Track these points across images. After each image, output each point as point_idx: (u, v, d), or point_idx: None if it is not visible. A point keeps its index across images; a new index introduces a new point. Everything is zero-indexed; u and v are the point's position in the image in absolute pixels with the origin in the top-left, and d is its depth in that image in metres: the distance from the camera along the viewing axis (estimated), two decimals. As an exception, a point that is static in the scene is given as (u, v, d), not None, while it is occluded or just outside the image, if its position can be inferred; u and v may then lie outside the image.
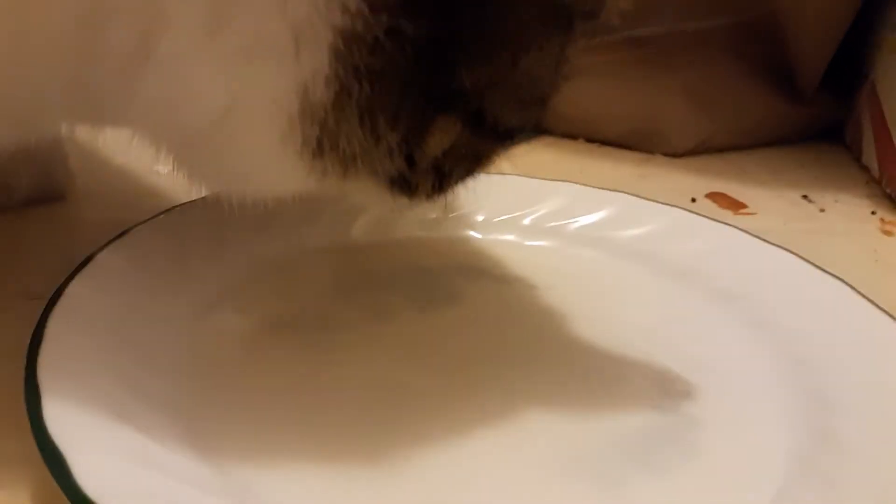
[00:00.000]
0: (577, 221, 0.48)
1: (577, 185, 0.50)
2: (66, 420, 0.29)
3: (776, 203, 0.60)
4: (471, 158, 0.35)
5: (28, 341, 0.32)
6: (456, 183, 0.36)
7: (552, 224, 0.48)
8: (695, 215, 0.49)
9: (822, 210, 0.60)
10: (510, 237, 0.48)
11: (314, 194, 0.34)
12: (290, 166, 0.31)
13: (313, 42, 0.28)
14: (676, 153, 0.66)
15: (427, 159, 0.33)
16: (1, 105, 0.30)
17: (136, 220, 0.42)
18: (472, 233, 0.48)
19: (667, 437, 0.35)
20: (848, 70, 0.69)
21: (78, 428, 0.29)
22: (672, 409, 0.36)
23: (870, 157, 0.66)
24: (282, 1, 0.27)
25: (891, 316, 0.40)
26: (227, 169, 0.33)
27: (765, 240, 0.46)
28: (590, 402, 0.37)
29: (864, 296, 0.41)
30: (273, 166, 0.31)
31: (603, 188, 0.50)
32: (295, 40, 0.28)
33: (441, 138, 0.32)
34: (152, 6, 0.27)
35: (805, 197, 0.61)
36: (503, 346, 0.40)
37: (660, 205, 0.49)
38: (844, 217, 0.59)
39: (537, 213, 0.49)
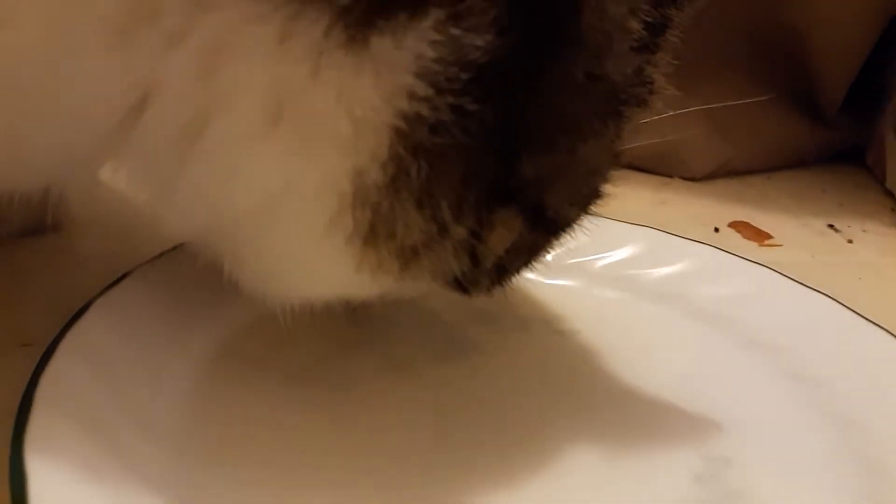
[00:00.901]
0: (602, 259, 0.46)
1: (601, 219, 0.47)
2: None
3: (802, 233, 0.58)
4: (529, 253, 0.34)
5: (17, 394, 0.29)
6: (514, 276, 0.34)
7: (575, 261, 0.45)
8: (726, 254, 0.46)
9: (850, 241, 0.58)
10: (530, 276, 0.45)
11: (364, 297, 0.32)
12: (338, 256, 0.28)
13: (374, 127, 0.26)
14: (696, 177, 0.64)
15: (492, 257, 0.31)
16: (28, 165, 0.30)
17: (135, 253, 0.39)
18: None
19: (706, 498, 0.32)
20: (869, 91, 0.67)
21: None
22: (712, 478, 0.33)
23: (893, 180, 0.64)
24: (345, 91, 0.26)
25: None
26: (269, 258, 0.30)
27: (800, 282, 0.43)
28: (622, 472, 0.34)
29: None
30: (319, 255, 0.29)
31: (626, 221, 0.48)
32: (355, 126, 0.26)
33: (503, 234, 0.30)
34: (211, 88, 0.26)
35: (831, 226, 0.59)
36: (527, 401, 0.37)
37: (689, 242, 0.47)
38: (873, 249, 0.57)
39: (558, 250, 0.46)
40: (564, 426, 0.36)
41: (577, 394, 0.38)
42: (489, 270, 0.32)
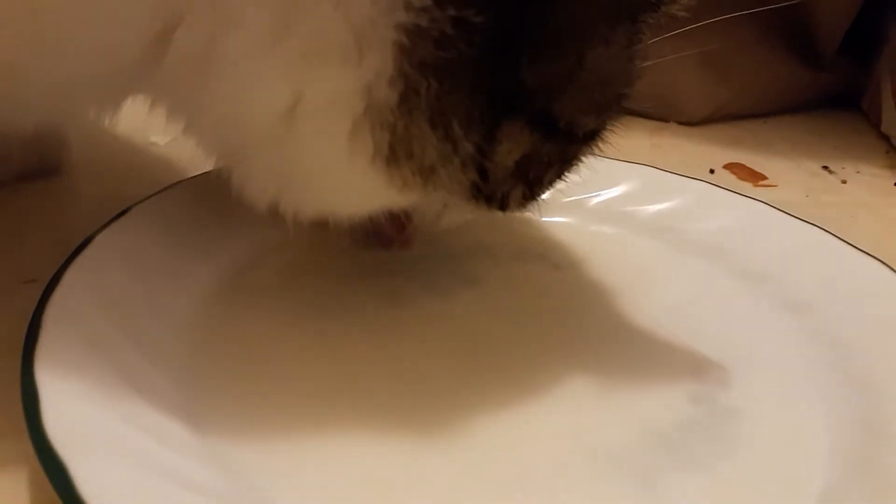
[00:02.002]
0: (597, 196, 0.46)
1: (595, 158, 0.48)
2: (65, 425, 0.26)
3: (796, 174, 0.59)
4: (558, 163, 0.34)
5: (23, 329, 0.30)
6: (548, 188, 0.35)
7: (571, 199, 0.46)
8: (720, 189, 0.47)
9: (844, 182, 0.58)
10: (527, 214, 0.45)
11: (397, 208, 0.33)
12: (363, 176, 0.29)
13: (376, 41, 0.27)
14: (692, 121, 0.64)
15: (501, 170, 0.31)
16: (47, 92, 0.30)
17: (135, 194, 0.40)
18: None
19: (703, 431, 0.33)
20: (865, 36, 0.67)
21: (78, 433, 0.26)
22: (707, 398, 0.34)
23: (890, 125, 0.64)
24: (345, 2, 0.26)
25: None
26: (295, 178, 0.31)
27: (794, 215, 0.44)
28: (620, 393, 0.35)
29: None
30: (344, 176, 0.30)
31: (621, 160, 0.48)
32: (357, 40, 0.26)
33: (510, 147, 0.31)
34: (220, 10, 0.27)
35: (825, 168, 0.60)
36: (525, 332, 0.38)
37: (683, 178, 0.47)
38: (867, 189, 0.57)
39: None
40: (561, 355, 0.36)
41: (573, 324, 0.39)
42: (504, 181, 0.32)
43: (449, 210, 0.36)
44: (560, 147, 0.33)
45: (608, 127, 0.34)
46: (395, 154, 0.29)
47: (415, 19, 0.26)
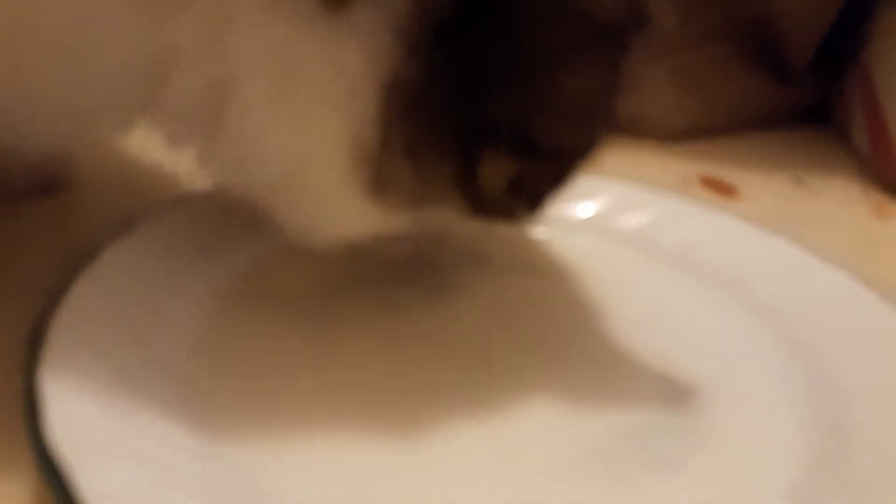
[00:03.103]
0: (573, 209, 0.47)
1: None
2: (68, 433, 0.27)
3: (768, 187, 0.60)
4: (553, 177, 0.35)
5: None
6: (550, 199, 0.37)
7: (550, 212, 0.47)
8: (689, 204, 0.48)
9: (815, 194, 0.59)
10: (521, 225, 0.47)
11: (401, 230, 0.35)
12: (360, 206, 0.32)
13: (364, 92, 0.29)
14: (665, 137, 0.65)
15: (494, 191, 0.33)
16: (51, 120, 0.32)
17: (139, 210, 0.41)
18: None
19: (676, 430, 0.34)
20: (834, 50, 0.69)
21: (82, 447, 0.27)
22: (680, 400, 0.36)
23: (860, 138, 0.65)
24: (340, 60, 0.29)
25: (892, 304, 0.40)
26: (307, 213, 0.34)
27: (761, 228, 0.46)
28: (596, 395, 0.36)
29: (863, 284, 0.41)
30: (346, 208, 0.33)
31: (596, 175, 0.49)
32: (350, 93, 0.29)
33: (496, 171, 0.33)
34: (219, 57, 0.29)
35: (798, 180, 0.61)
36: (508, 338, 0.39)
37: (654, 193, 0.49)
38: (837, 201, 0.59)
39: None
40: (541, 360, 0.38)
41: (552, 332, 0.40)
42: (503, 200, 0.34)
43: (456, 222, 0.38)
44: (551, 164, 0.35)
45: (600, 140, 0.36)
46: (382, 185, 0.32)
47: (393, 70, 0.29)
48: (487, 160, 0.33)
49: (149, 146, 0.36)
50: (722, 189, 0.58)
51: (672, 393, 0.36)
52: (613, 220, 0.47)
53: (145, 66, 0.30)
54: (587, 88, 0.33)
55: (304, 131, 0.31)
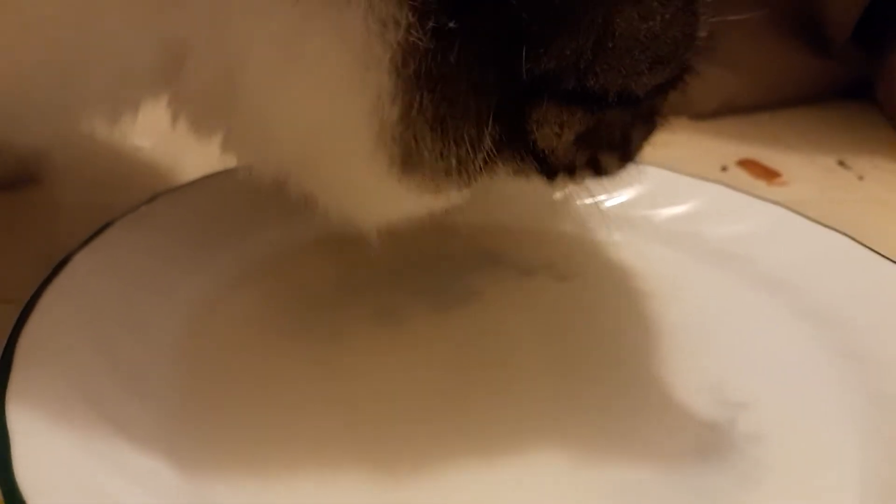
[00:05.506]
0: (604, 201, 0.43)
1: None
2: (37, 469, 0.24)
3: (811, 170, 0.56)
4: (638, 120, 0.34)
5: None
6: (644, 143, 0.35)
7: (577, 205, 0.43)
8: (735, 192, 0.44)
9: (861, 178, 0.56)
10: (536, 221, 0.43)
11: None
12: (392, 185, 0.30)
13: (375, 63, 0.27)
14: (700, 115, 0.62)
15: (561, 150, 0.30)
16: (55, 110, 0.31)
17: (118, 203, 0.38)
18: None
19: (723, 460, 0.31)
20: (878, 23, 0.65)
21: (51, 479, 0.24)
22: (728, 423, 0.32)
23: (906, 117, 0.62)
24: (342, 31, 0.27)
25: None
26: (340, 197, 0.32)
27: (812, 220, 0.42)
28: (633, 419, 0.32)
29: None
30: (378, 188, 0.30)
31: (629, 161, 0.46)
32: (359, 64, 0.27)
33: (553, 129, 0.30)
34: (226, 44, 0.28)
35: (841, 163, 0.57)
36: (526, 352, 0.36)
37: (696, 180, 0.45)
38: (885, 185, 0.55)
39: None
40: (568, 376, 0.34)
41: (579, 341, 0.37)
42: (575, 157, 0.31)
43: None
44: (625, 111, 0.31)
45: (683, 73, 0.33)
46: (410, 163, 0.29)
47: (404, 37, 0.27)
48: (540, 120, 0.29)
49: (128, 133, 0.34)
50: (765, 174, 0.54)
51: (718, 415, 0.32)
52: (648, 211, 0.44)
53: (152, 59, 0.29)
54: (652, 24, 0.29)
55: (319, 109, 0.29)
